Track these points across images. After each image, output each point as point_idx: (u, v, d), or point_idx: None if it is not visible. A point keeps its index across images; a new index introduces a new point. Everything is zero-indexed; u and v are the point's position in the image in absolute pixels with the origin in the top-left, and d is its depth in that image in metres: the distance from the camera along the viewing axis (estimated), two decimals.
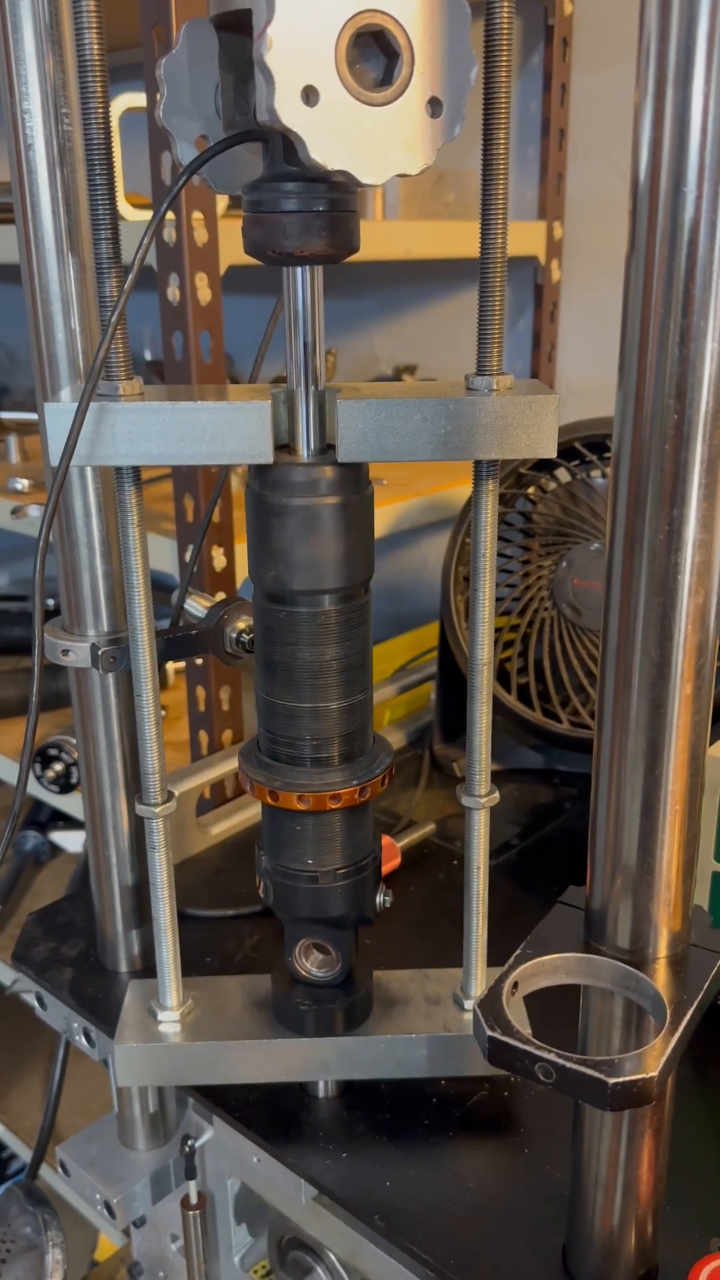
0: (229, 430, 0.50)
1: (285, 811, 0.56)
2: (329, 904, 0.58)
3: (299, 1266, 0.66)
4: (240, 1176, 0.69)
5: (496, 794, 0.58)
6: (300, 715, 0.55)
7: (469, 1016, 0.61)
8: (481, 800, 0.57)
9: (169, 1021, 0.62)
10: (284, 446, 0.53)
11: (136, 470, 0.53)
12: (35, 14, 0.55)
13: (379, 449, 0.50)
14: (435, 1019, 0.61)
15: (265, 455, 0.50)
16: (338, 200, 0.47)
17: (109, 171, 0.47)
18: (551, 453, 0.50)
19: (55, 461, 0.49)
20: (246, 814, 0.94)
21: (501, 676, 0.97)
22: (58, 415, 0.49)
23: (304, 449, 0.52)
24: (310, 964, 0.61)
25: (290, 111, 0.40)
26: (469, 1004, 0.62)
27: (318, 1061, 0.61)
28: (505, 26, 0.43)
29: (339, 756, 0.56)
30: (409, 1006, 0.63)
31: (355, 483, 0.52)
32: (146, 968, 0.74)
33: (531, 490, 0.99)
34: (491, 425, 0.49)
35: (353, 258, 0.51)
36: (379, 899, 0.61)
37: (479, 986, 0.62)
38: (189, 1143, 0.71)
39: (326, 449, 0.52)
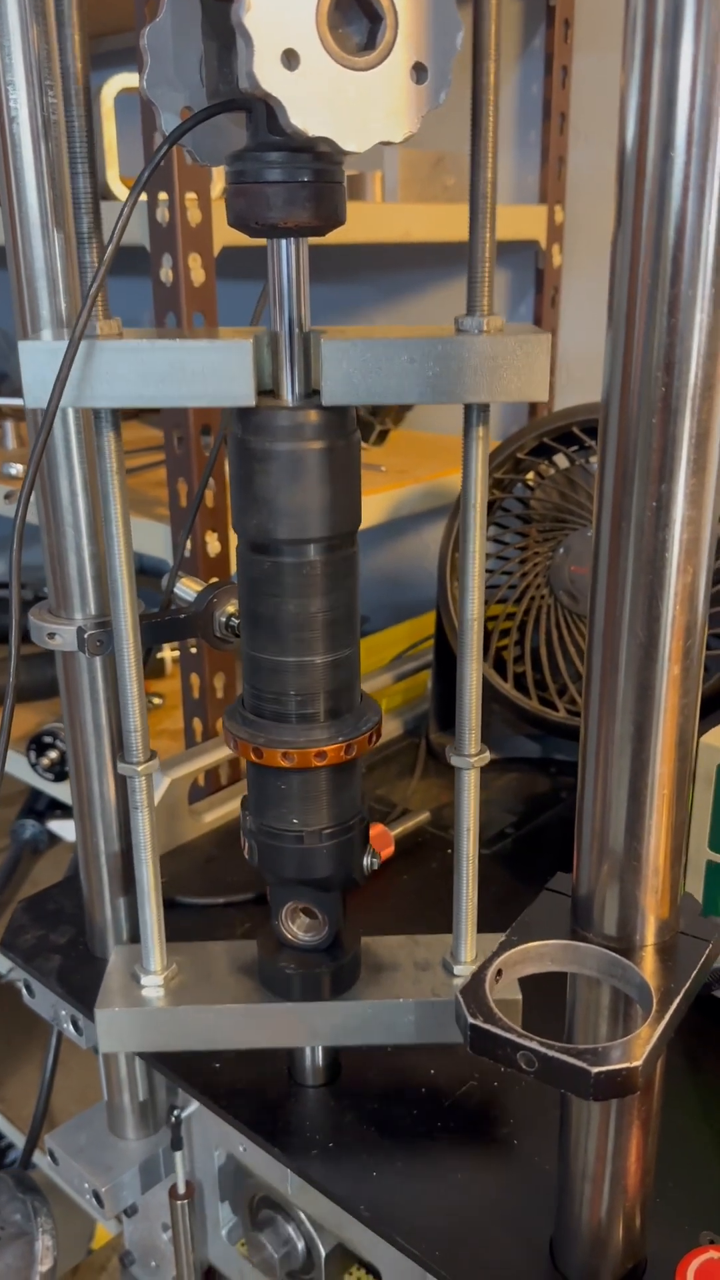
0: (210, 370, 0.48)
1: (270, 769, 0.55)
2: (315, 864, 0.57)
3: (274, 1229, 0.65)
4: (227, 1149, 0.68)
5: (487, 753, 0.56)
6: (285, 670, 0.54)
7: (459, 981, 0.60)
8: (471, 760, 0.56)
9: (152, 986, 0.60)
10: (268, 393, 0.51)
11: (116, 414, 0.51)
12: None
13: (365, 391, 0.48)
14: (424, 984, 0.60)
15: (247, 397, 0.48)
16: (322, 170, 0.46)
17: (89, 144, 0.46)
18: (543, 397, 0.48)
19: (33, 404, 0.48)
20: (239, 802, 0.93)
21: (498, 665, 0.96)
22: (34, 354, 0.48)
23: (288, 392, 0.50)
24: (297, 928, 0.60)
25: (270, 76, 0.39)
26: (459, 969, 0.60)
27: (304, 1027, 0.60)
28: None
29: (325, 713, 0.55)
30: (397, 972, 0.61)
31: (341, 427, 0.51)
32: None
33: (529, 476, 0.98)
34: (481, 367, 0.47)
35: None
36: (366, 861, 0.59)
37: (469, 953, 0.60)
38: (175, 1113, 0.70)
39: (311, 394, 0.51)
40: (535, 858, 0.85)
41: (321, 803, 0.56)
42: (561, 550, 0.93)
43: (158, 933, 0.60)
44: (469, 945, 0.60)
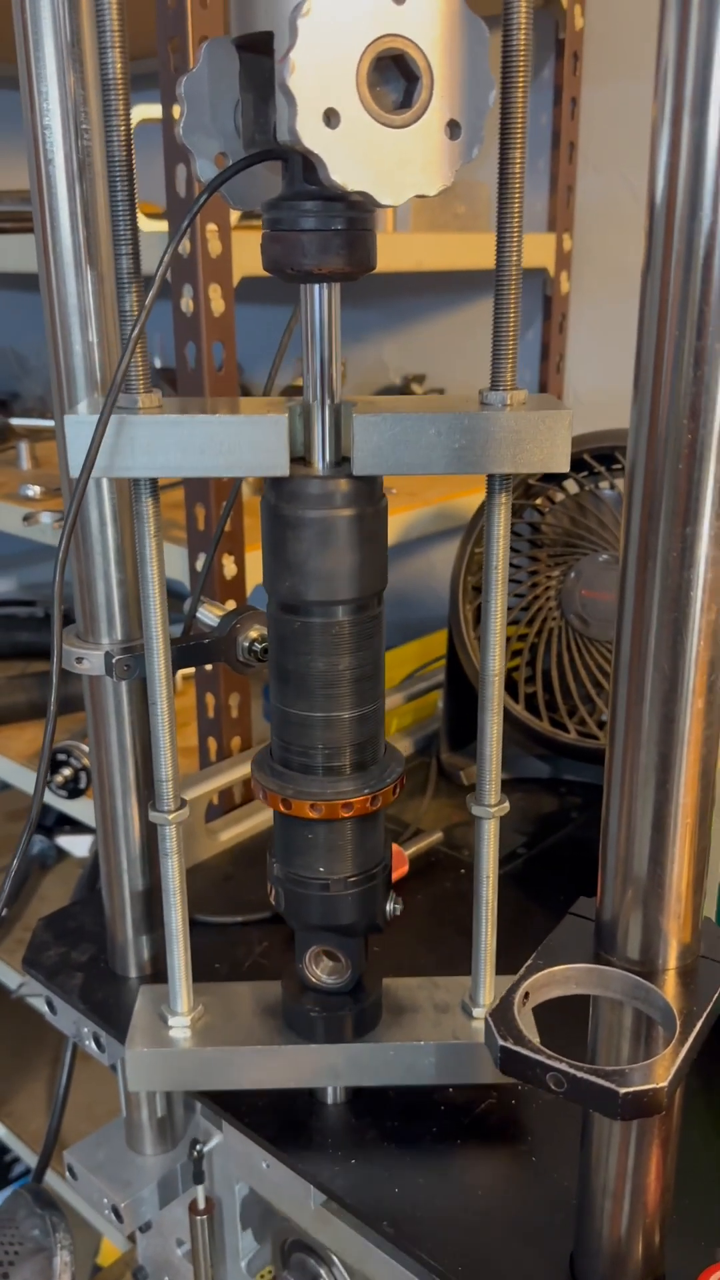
0: (246, 443, 0.50)
1: (297, 820, 0.57)
2: (340, 912, 0.59)
3: (303, 1270, 0.67)
4: (249, 1182, 0.70)
5: (506, 804, 0.58)
6: (313, 724, 0.56)
7: (477, 1024, 0.62)
8: (491, 810, 0.58)
9: (179, 1027, 0.62)
10: (299, 459, 0.53)
11: (154, 482, 0.53)
12: (57, 32, 0.56)
13: (394, 462, 0.50)
14: (444, 1026, 0.62)
15: (281, 468, 0.51)
16: (355, 219, 0.48)
17: (130, 189, 0.48)
18: (564, 468, 0.51)
19: (74, 473, 0.50)
20: (255, 820, 0.94)
21: (509, 686, 0.97)
22: (77, 428, 0.50)
23: (319, 461, 0.53)
24: (320, 971, 0.62)
25: (312, 133, 0.41)
26: (477, 1012, 0.62)
27: (327, 1067, 0.61)
28: (523, 47, 0.44)
29: (351, 765, 0.57)
30: (418, 1014, 0.63)
31: (370, 495, 0.53)
32: (157, 973, 0.75)
33: (540, 501, 1.00)
34: (505, 440, 0.50)
35: None
36: (389, 907, 0.61)
37: (487, 995, 0.62)
38: (198, 1147, 0.71)
39: (341, 461, 0.53)
40: (547, 878, 0.87)
41: (347, 852, 0.58)
42: (573, 574, 0.95)
43: (185, 975, 0.62)
44: (488, 988, 0.62)
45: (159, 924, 0.72)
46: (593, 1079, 0.40)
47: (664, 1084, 0.39)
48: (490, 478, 0.53)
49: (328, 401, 0.52)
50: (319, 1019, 0.61)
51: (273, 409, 0.51)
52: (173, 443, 0.50)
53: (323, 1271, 0.66)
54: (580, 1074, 0.40)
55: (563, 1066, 0.40)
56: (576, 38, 1.18)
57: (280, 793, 0.57)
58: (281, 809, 0.57)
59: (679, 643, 0.41)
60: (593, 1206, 0.50)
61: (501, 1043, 0.41)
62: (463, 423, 0.49)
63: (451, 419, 0.49)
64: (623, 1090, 0.39)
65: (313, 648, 0.54)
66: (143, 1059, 0.62)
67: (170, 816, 0.59)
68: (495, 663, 0.56)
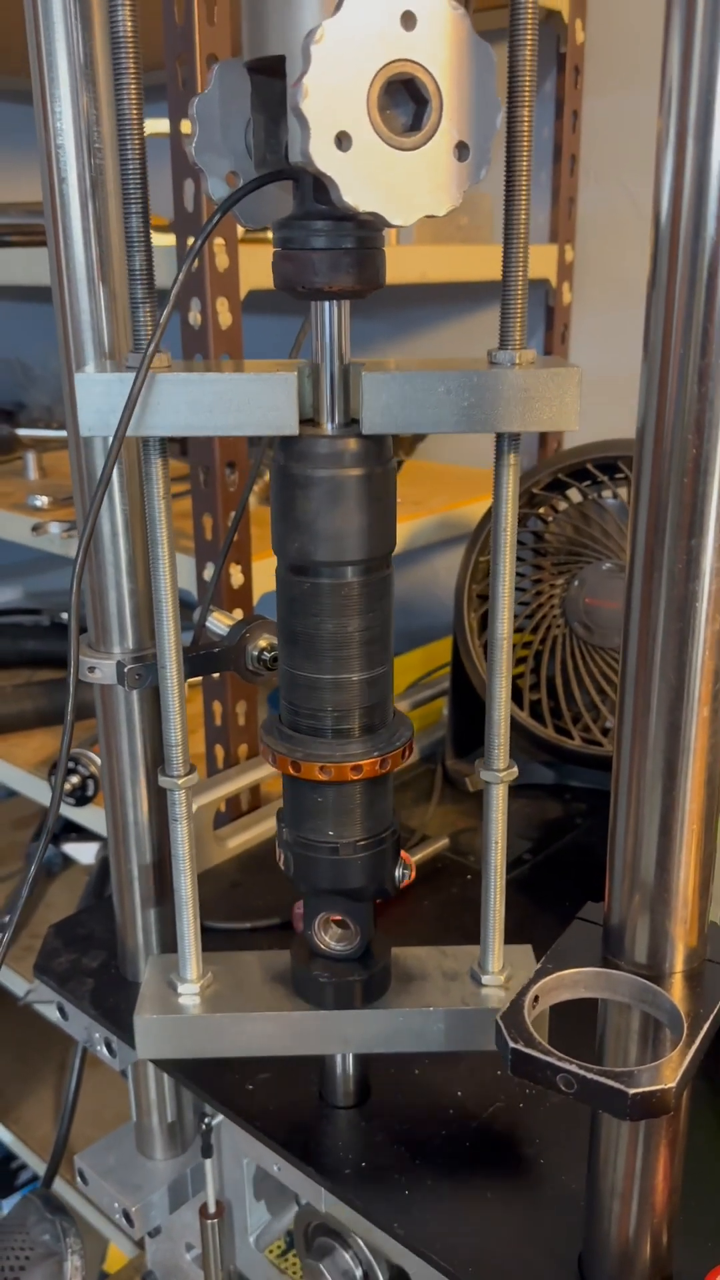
0: (255, 402, 0.50)
1: (306, 783, 0.57)
2: (349, 875, 0.58)
3: (328, 1254, 0.67)
4: (258, 1161, 0.70)
5: (515, 769, 0.58)
6: (322, 687, 0.56)
7: (487, 991, 0.62)
8: (500, 775, 0.58)
9: (189, 994, 0.62)
10: (309, 421, 0.53)
11: (164, 443, 0.53)
12: (70, 52, 0.57)
13: (403, 420, 0.50)
14: (453, 994, 0.62)
15: (290, 427, 0.51)
16: (365, 238, 0.49)
17: (144, 213, 0.49)
18: (574, 426, 0.51)
19: (84, 432, 0.51)
20: (263, 827, 0.95)
21: (515, 694, 0.98)
22: (92, 386, 0.50)
23: (328, 421, 0.53)
24: (329, 937, 0.62)
25: (324, 156, 0.42)
26: (486, 979, 0.62)
27: (336, 1034, 0.61)
28: (529, 66, 0.45)
29: (360, 728, 0.57)
30: (426, 981, 0.63)
31: (379, 455, 0.53)
32: None
33: (543, 510, 1.01)
34: (514, 398, 0.50)
35: None
36: (398, 872, 0.61)
37: (496, 963, 0.62)
38: (206, 1120, 0.71)
39: (350, 423, 0.53)
40: (553, 883, 0.87)
41: (356, 815, 0.58)
42: (576, 583, 0.96)
43: (194, 942, 0.62)
44: (496, 956, 0.62)
45: (170, 931, 0.73)
46: (602, 1080, 0.41)
47: (672, 1085, 0.40)
48: (499, 438, 0.53)
49: (336, 362, 0.52)
50: (328, 985, 0.60)
51: (282, 368, 0.51)
52: (182, 401, 0.50)
53: (347, 1255, 0.66)
54: (590, 1075, 0.41)
55: (572, 1068, 0.41)
56: (578, 51, 1.19)
57: (289, 755, 0.56)
58: (290, 771, 0.57)
59: (685, 653, 0.42)
60: (601, 1208, 0.51)
61: (512, 1045, 0.42)
62: (472, 380, 0.49)
63: (460, 376, 0.49)
64: (632, 1091, 0.40)
65: (322, 609, 0.54)
66: (152, 1025, 0.61)
67: (180, 781, 0.59)
68: (503, 626, 0.55)
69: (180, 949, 0.62)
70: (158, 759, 0.70)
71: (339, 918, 0.61)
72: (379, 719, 0.58)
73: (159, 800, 0.72)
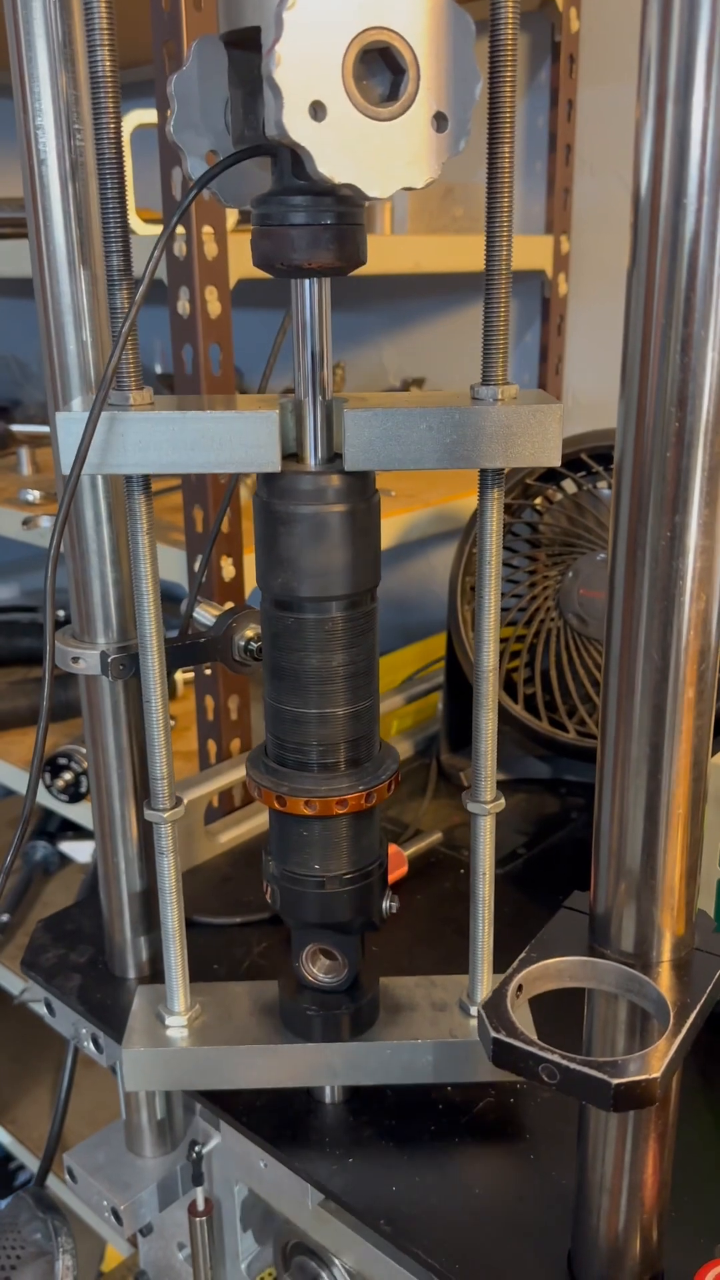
0: (238, 439, 0.50)
1: (292, 817, 0.57)
2: (336, 909, 0.59)
3: (304, 1272, 0.66)
4: (247, 1182, 0.69)
5: (502, 800, 0.58)
6: (307, 721, 0.56)
7: (475, 1023, 0.62)
8: (487, 807, 0.58)
9: (176, 1027, 0.62)
10: (292, 456, 0.53)
11: (146, 479, 0.53)
12: (49, 32, 0.57)
13: (385, 457, 0.50)
14: (441, 1025, 0.62)
15: (273, 464, 0.51)
16: (345, 213, 0.48)
17: (120, 186, 0.48)
18: (555, 462, 0.51)
19: (66, 470, 0.50)
20: (254, 822, 0.94)
21: (508, 686, 0.97)
22: (69, 424, 0.50)
23: (311, 457, 0.53)
24: (317, 969, 0.61)
25: (299, 126, 0.41)
26: (475, 1010, 0.62)
27: (324, 1067, 0.61)
28: (509, 42, 0.44)
29: (345, 762, 0.57)
30: (415, 1012, 0.63)
31: (362, 491, 0.53)
32: (155, 974, 0.75)
33: (538, 501, 1.00)
34: (497, 434, 0.50)
35: (361, 271, 0.52)
36: (385, 904, 0.61)
37: (484, 993, 0.62)
38: (196, 1149, 0.71)
39: (334, 458, 0.53)
40: (547, 877, 0.86)
41: (342, 849, 0.58)
42: (570, 574, 0.95)
43: (182, 974, 0.62)
44: (485, 986, 0.62)
45: (157, 925, 0.72)
46: (585, 1070, 0.40)
47: (657, 1075, 0.39)
48: (482, 472, 0.53)
49: (319, 398, 0.52)
50: (316, 1018, 0.61)
51: (265, 405, 0.51)
52: (164, 439, 0.50)
53: (324, 1274, 0.65)
54: (573, 1065, 0.40)
55: (555, 1058, 0.40)
56: (572, 40, 1.18)
57: (275, 790, 0.57)
58: (276, 806, 0.57)
59: (669, 633, 0.41)
60: (590, 1203, 0.50)
61: (494, 1034, 0.41)
62: (454, 417, 0.49)
63: (442, 414, 0.49)
64: (615, 1081, 0.39)
65: (306, 644, 0.54)
66: (140, 1059, 0.61)
67: (166, 815, 0.59)
68: (489, 659, 0.56)
69: (168, 981, 0.62)
70: (144, 753, 0.69)
71: (327, 950, 0.61)
72: (364, 752, 0.58)
73: (145, 792, 0.71)
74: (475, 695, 0.56)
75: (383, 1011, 0.63)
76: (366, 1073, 0.62)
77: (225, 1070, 0.62)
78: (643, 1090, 0.39)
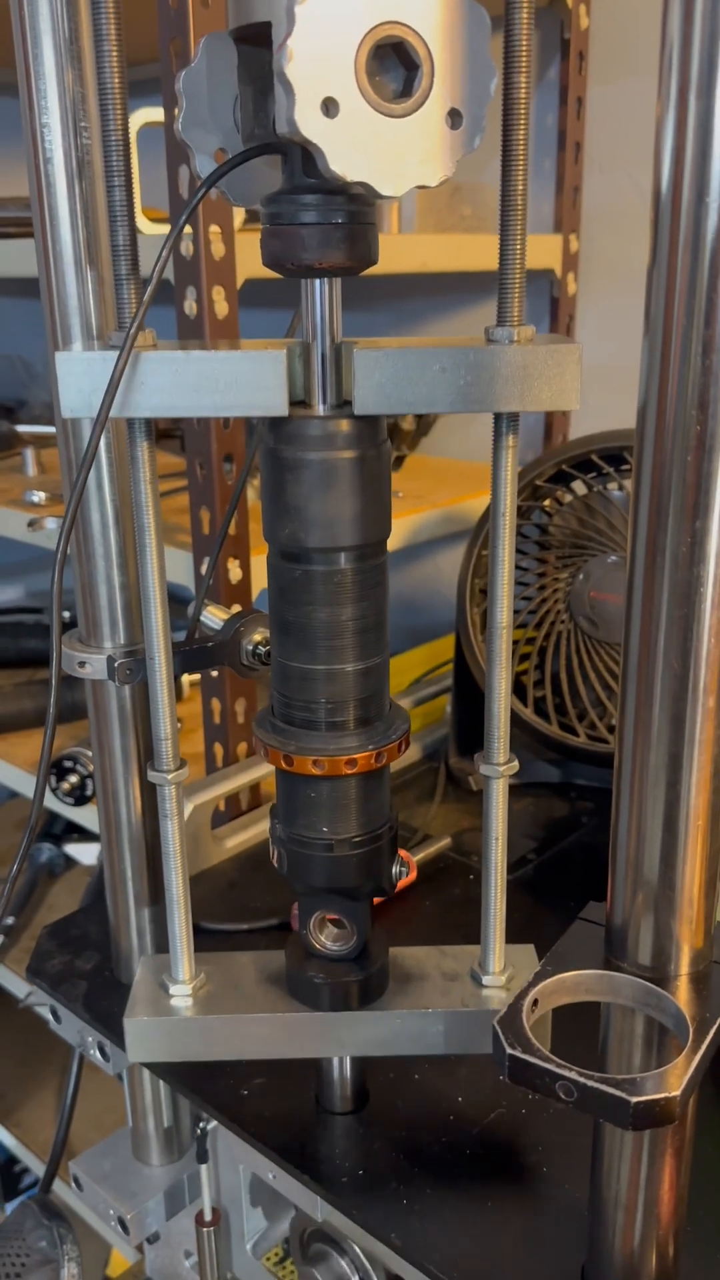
0: (243, 380, 0.48)
1: (300, 777, 0.55)
2: (344, 873, 0.57)
3: (325, 1261, 0.65)
4: (253, 1169, 0.68)
5: (515, 762, 0.56)
6: (315, 678, 0.54)
7: (487, 993, 0.60)
8: (500, 768, 0.56)
9: (180, 995, 0.60)
10: (299, 403, 0.51)
11: (150, 424, 0.52)
12: (55, 28, 0.56)
13: (396, 400, 0.48)
14: (453, 994, 0.60)
15: (280, 407, 0.49)
16: (356, 212, 0.47)
17: (128, 186, 0.47)
18: (574, 405, 0.49)
19: (66, 414, 0.49)
20: (261, 827, 0.93)
21: (518, 690, 0.96)
22: (73, 365, 0.48)
23: (319, 402, 0.51)
24: (325, 936, 0.60)
25: (310, 123, 0.40)
26: (487, 980, 0.60)
27: (332, 1036, 0.60)
28: (524, 38, 0.43)
29: (355, 721, 0.55)
30: (425, 982, 0.61)
31: (372, 437, 0.51)
32: None
33: (548, 502, 0.99)
34: (513, 376, 0.48)
35: (368, 270, 0.51)
36: (395, 869, 0.59)
37: (497, 963, 0.60)
38: (201, 1125, 0.69)
39: (343, 404, 0.51)
40: (558, 883, 0.85)
41: (351, 811, 0.56)
42: (581, 576, 0.94)
43: (186, 942, 0.60)
44: (497, 956, 0.60)
45: (164, 932, 0.71)
46: (603, 1088, 0.39)
47: (676, 1093, 0.38)
48: (497, 418, 0.50)
49: (328, 340, 0.50)
50: (324, 986, 0.59)
51: (272, 347, 0.49)
52: (167, 380, 0.48)
53: (344, 1262, 0.64)
54: (590, 1083, 0.39)
55: (572, 1075, 0.39)
56: (582, 37, 1.17)
57: (282, 749, 0.55)
58: (283, 765, 0.55)
59: (689, 640, 0.40)
60: (604, 1218, 0.49)
61: (509, 1051, 0.40)
62: (468, 358, 0.47)
63: (457, 353, 0.47)
64: (634, 1100, 0.38)
65: (314, 597, 0.53)
66: (143, 1028, 0.59)
67: (169, 776, 0.57)
68: (503, 615, 0.53)
69: (172, 949, 0.61)
70: (150, 756, 0.68)
71: (335, 917, 0.59)
72: (375, 711, 0.56)
73: (152, 798, 0.70)
74: (488, 653, 0.54)
75: (392, 981, 0.61)
76: (376, 1043, 0.60)
77: (231, 1040, 0.60)
78: (662, 1109, 0.38)
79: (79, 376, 0.48)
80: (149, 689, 0.57)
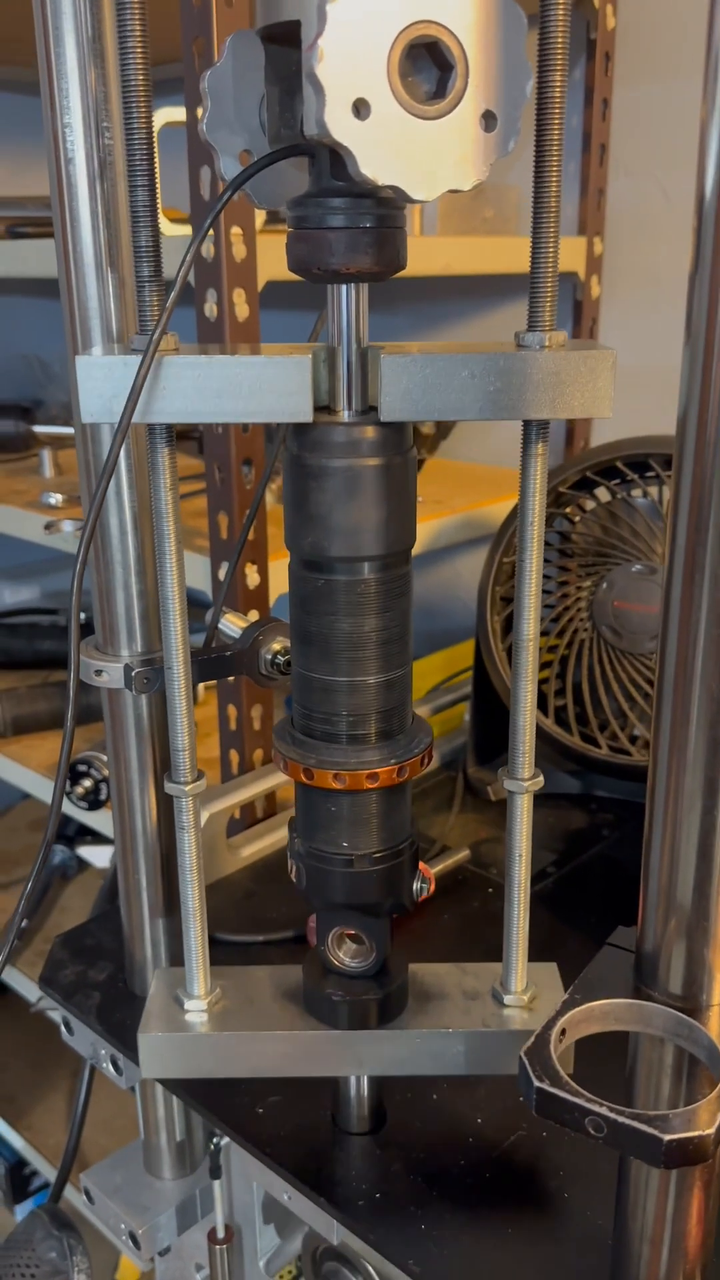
0: (268, 386, 0.47)
1: (320, 791, 0.54)
2: (364, 889, 0.55)
3: (332, 1275, 0.64)
4: (267, 1188, 0.67)
5: (540, 778, 0.55)
6: (337, 690, 0.53)
7: (509, 1012, 0.59)
8: (525, 784, 0.55)
9: (196, 1011, 0.59)
10: (324, 409, 0.50)
11: (171, 430, 0.51)
12: (78, 27, 0.55)
13: (424, 406, 0.47)
14: (474, 1014, 0.59)
15: (305, 413, 0.48)
16: (385, 216, 0.46)
17: (151, 186, 0.46)
18: (606, 413, 0.47)
19: (85, 419, 0.48)
20: (278, 835, 0.92)
21: (539, 699, 0.95)
22: (93, 369, 0.47)
23: (345, 408, 0.50)
24: (343, 953, 0.59)
25: (341, 124, 0.39)
26: (509, 999, 0.59)
27: (349, 1055, 0.58)
28: (561, 37, 0.42)
29: (376, 734, 0.54)
30: (446, 1001, 0.60)
31: (398, 444, 0.50)
32: None
33: (570, 509, 0.97)
34: (544, 382, 0.47)
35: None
36: (416, 885, 0.58)
37: (519, 982, 0.59)
38: (215, 1140, 0.68)
39: (368, 410, 0.50)
40: (578, 899, 0.84)
41: (372, 826, 0.55)
42: (604, 585, 0.92)
43: (201, 956, 0.59)
44: (519, 975, 0.59)
45: (179, 943, 0.70)
46: (635, 1125, 0.37)
47: (710, 1131, 0.37)
48: (527, 426, 0.49)
49: (354, 345, 0.49)
50: (342, 1004, 0.57)
51: (297, 352, 0.48)
52: (190, 386, 0.47)
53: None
54: (622, 1119, 0.38)
55: (603, 1111, 0.38)
56: (608, 38, 1.16)
57: (302, 762, 0.54)
58: (303, 779, 0.54)
59: None
60: (630, 1252, 0.48)
61: (537, 1084, 0.39)
62: (498, 364, 0.46)
63: (486, 359, 0.46)
64: (667, 1137, 0.37)
65: (337, 608, 0.51)
66: (157, 1044, 0.58)
67: (187, 788, 0.56)
68: (530, 627, 0.52)
69: (187, 963, 0.60)
70: (167, 765, 0.67)
71: (353, 933, 0.58)
72: (397, 724, 0.55)
73: (168, 808, 0.69)
74: (514, 665, 0.53)
75: (412, 999, 0.60)
76: (394, 1063, 0.58)
77: (246, 1057, 0.59)
78: (695, 1147, 0.37)
79: (99, 381, 0.47)
80: (167, 699, 0.56)
